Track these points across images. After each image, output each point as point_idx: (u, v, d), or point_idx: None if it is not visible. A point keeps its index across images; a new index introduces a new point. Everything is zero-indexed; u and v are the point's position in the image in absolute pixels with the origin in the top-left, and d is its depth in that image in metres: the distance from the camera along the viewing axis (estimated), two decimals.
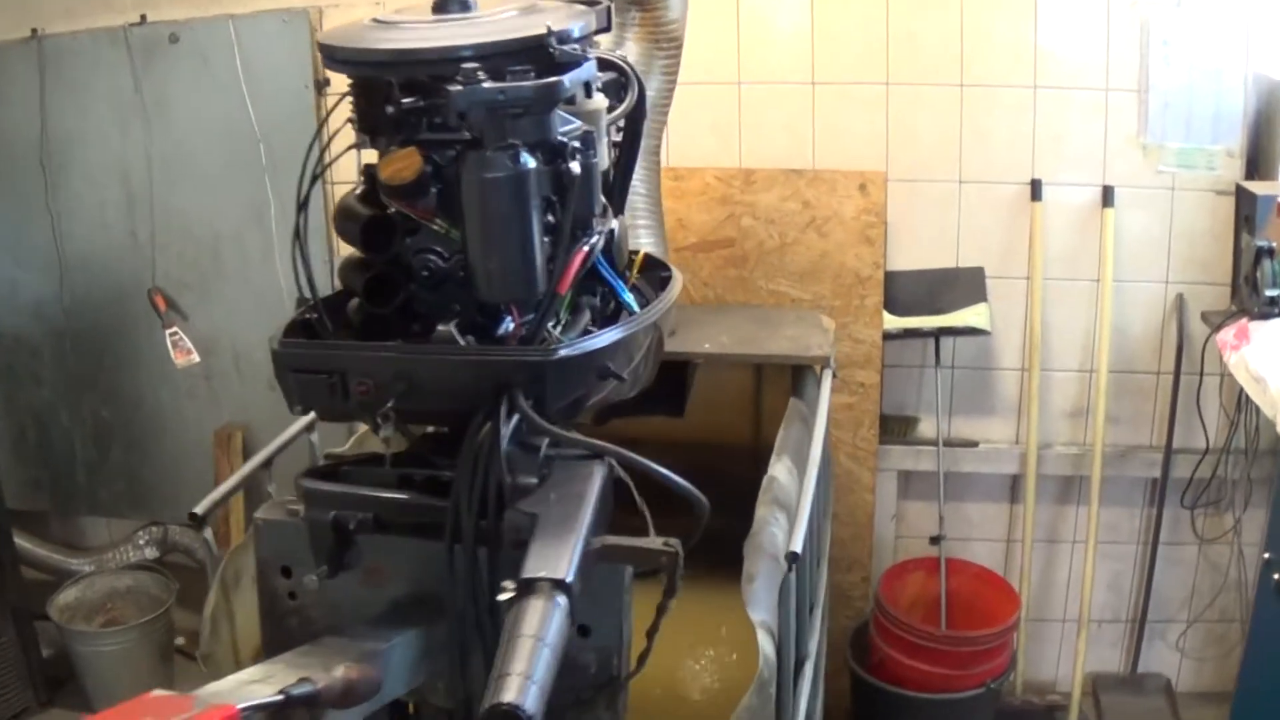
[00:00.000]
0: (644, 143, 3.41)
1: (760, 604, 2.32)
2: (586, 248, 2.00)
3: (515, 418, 1.85)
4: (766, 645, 2.25)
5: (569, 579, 1.56)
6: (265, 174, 4.12)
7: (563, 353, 1.89)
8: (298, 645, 2.18)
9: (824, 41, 3.84)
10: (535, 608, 1.51)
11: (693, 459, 3.87)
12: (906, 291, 3.93)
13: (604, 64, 2.16)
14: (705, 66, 3.91)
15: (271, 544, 2.17)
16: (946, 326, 3.86)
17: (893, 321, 3.91)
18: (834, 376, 3.34)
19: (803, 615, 2.64)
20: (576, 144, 1.91)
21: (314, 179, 2.07)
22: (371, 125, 1.97)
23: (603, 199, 2.17)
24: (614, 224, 2.16)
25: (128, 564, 4.69)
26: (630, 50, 3.30)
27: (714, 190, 4.03)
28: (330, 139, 2.07)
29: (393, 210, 1.97)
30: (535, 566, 1.57)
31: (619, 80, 2.20)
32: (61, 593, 4.44)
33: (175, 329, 4.40)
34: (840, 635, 4.09)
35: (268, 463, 2.95)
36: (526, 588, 1.54)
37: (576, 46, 1.90)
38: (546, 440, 1.86)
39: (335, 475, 2.05)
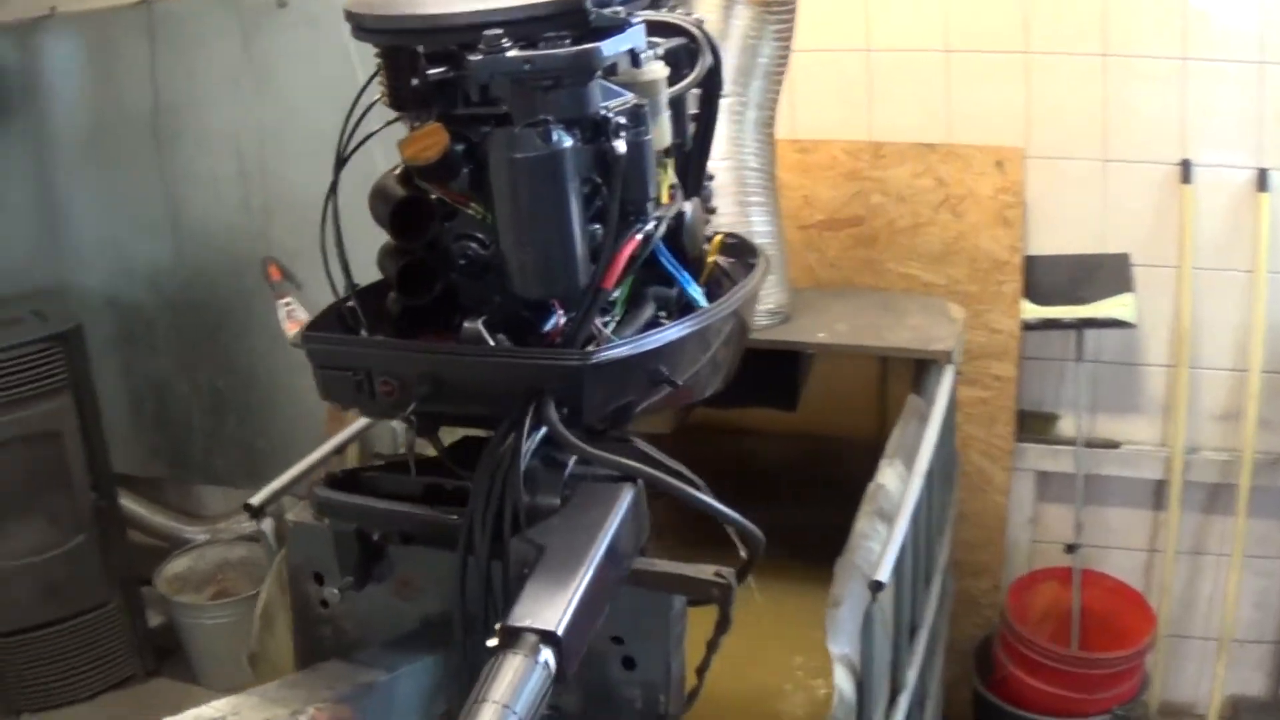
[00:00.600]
0: (755, 114, 3.19)
1: (842, 633, 2.07)
2: (640, 236, 1.77)
3: (542, 429, 1.64)
4: (844, 682, 2.02)
5: (559, 631, 1.33)
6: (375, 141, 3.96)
7: (601, 356, 1.67)
8: (329, 657, 2.02)
9: (958, 6, 3.53)
10: (510, 667, 1.29)
11: (810, 453, 3.67)
12: (1046, 278, 3.60)
13: (671, 29, 1.92)
14: (832, 32, 3.64)
15: (303, 549, 2.00)
16: (1089, 318, 3.53)
17: (1032, 311, 3.59)
18: (957, 373, 3.05)
19: (899, 643, 2.38)
20: (622, 119, 1.67)
21: (346, 156, 1.89)
22: (399, 99, 1.76)
23: (674, 179, 1.93)
24: (687, 207, 1.92)
25: (241, 535, 4.62)
26: (740, 14, 3.05)
27: (841, 164, 3.75)
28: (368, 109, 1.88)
29: (435, 195, 1.77)
30: (523, 613, 1.35)
31: (690, 47, 1.95)
32: (171, 562, 4.39)
33: (289, 299, 4.28)
34: (967, 643, 3.80)
35: (340, 450, 2.80)
36: (508, 638, 1.32)
37: (620, 10, 1.66)
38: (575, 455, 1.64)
39: (356, 483, 1.86)
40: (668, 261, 1.87)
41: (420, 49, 1.72)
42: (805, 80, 3.68)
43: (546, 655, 1.31)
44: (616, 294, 1.82)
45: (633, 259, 1.78)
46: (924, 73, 3.61)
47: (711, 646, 1.75)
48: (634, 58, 1.71)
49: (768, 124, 3.22)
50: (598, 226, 1.72)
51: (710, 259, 2.01)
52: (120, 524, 4.08)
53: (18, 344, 3.77)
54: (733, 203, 3.15)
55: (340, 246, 1.88)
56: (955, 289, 3.64)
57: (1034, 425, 3.78)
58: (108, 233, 4.48)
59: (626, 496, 1.59)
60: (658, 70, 1.79)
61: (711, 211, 2.25)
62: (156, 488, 4.80)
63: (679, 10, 1.97)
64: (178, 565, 4.42)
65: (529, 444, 1.63)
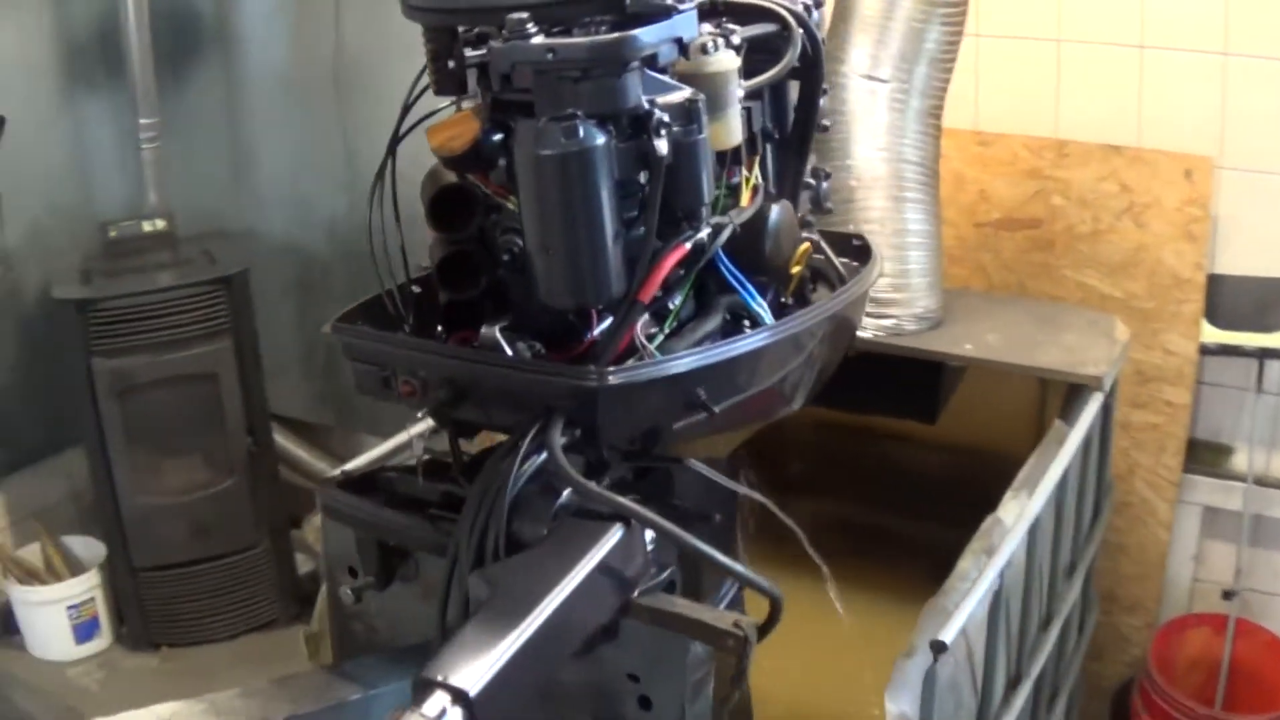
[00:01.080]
0: (920, 102, 2.95)
1: (904, 690, 1.88)
2: (689, 245, 1.60)
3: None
4: None
5: (473, 693, 1.19)
6: None
7: (617, 379, 1.51)
8: (361, 654, 1.93)
9: None
10: None
11: (953, 467, 3.43)
12: (1230, 300, 3.26)
13: (758, 12, 1.74)
14: (1021, 19, 3.35)
15: (338, 540, 1.90)
16: (1273, 348, 3.18)
17: (1212, 334, 3.26)
18: (1107, 402, 2.77)
19: (989, 695, 2.16)
20: (666, 116, 1.50)
21: (401, 136, 1.78)
22: (441, 83, 1.63)
23: (757, 179, 1.77)
24: (773, 210, 1.75)
25: None
26: None
27: (1022, 161, 3.47)
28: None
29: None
30: (441, 665, 1.21)
31: (782, 34, 1.77)
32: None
33: None
34: (1113, 681, 3.51)
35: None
36: (419, 690, 1.18)
37: None
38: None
39: (373, 484, 1.75)
40: (728, 272, 1.70)
41: (462, 30, 1.58)
42: (990, 68, 3.42)
43: (455, 717, 1.16)
44: (674, 302, 1.66)
45: (684, 268, 1.62)
46: (1115, 69, 3.30)
47: (722, 700, 1.59)
48: (681, 47, 1.53)
49: (933, 114, 2.97)
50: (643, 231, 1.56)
51: (795, 269, 1.82)
52: (273, 469, 4.09)
53: (184, 284, 3.80)
54: (885, 197, 2.93)
55: (399, 231, 1.77)
56: (1132, 304, 3.33)
57: (1206, 457, 3.45)
58: (289, 179, 4.50)
59: (609, 539, 1.43)
60: (721, 61, 1.62)
61: (826, 212, 2.06)
62: (321, 434, 4.83)
63: None
64: None
65: (527, 466, 1.49)
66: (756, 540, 2.16)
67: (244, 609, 4.06)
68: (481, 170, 1.61)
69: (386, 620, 1.89)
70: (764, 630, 1.52)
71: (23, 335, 3.86)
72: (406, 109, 1.71)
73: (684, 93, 1.55)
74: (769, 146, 1.85)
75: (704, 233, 1.62)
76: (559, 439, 1.49)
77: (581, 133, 1.47)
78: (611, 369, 1.51)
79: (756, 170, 1.80)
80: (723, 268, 1.69)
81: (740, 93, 1.67)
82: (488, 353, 1.59)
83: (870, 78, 2.86)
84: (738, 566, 1.48)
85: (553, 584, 1.34)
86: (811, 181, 1.96)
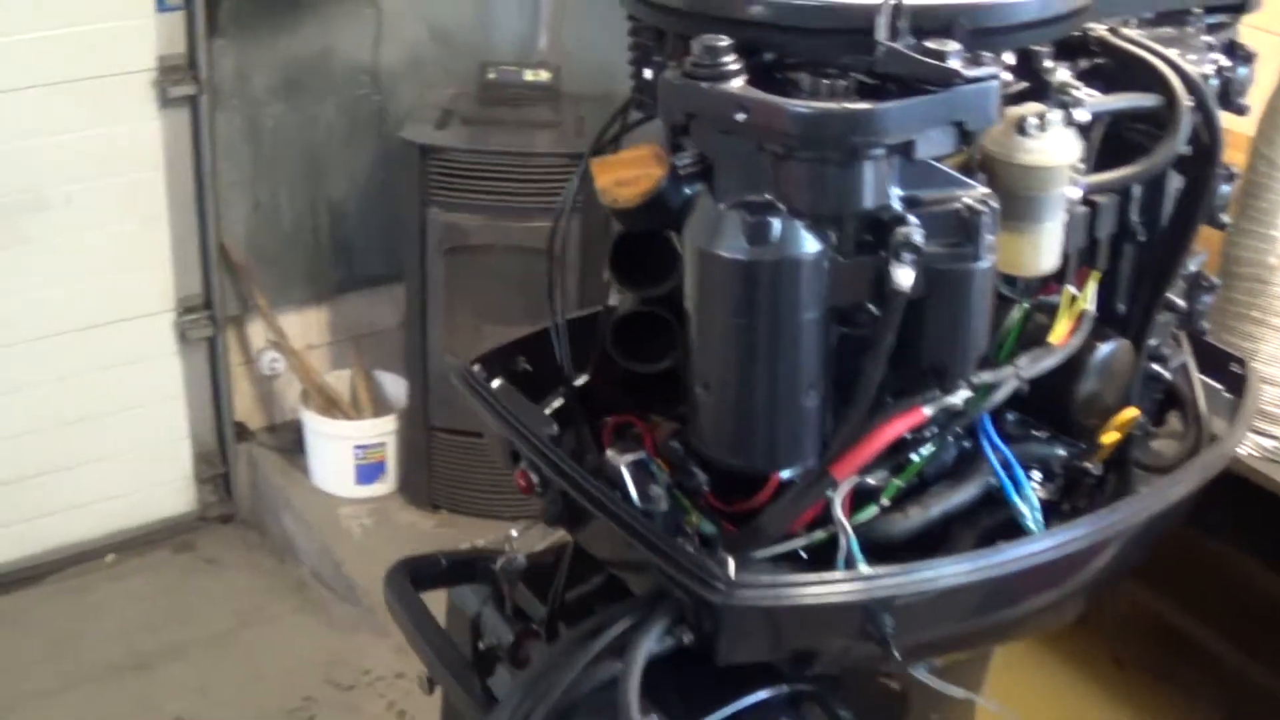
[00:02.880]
0: None
1: None
2: (928, 410, 1.06)
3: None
4: None
5: None
6: None
7: (749, 597, 1.01)
8: None
9: None
10: None
11: None
12: None
13: (1132, 67, 1.15)
14: None
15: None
16: None
17: None
18: None
19: None
20: (919, 231, 0.96)
21: (599, 148, 1.29)
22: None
23: (1087, 304, 1.20)
24: (1101, 349, 1.19)
25: None
26: None
27: None
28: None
29: None
30: None
31: (1163, 111, 1.16)
32: None
33: None
34: None
35: None
36: None
37: (953, 49, 0.93)
38: None
39: (436, 572, 1.33)
40: (990, 444, 1.14)
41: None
42: None
43: None
44: (920, 452, 1.14)
45: (892, 443, 1.08)
46: None
47: None
48: (964, 134, 0.97)
49: None
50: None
51: (1106, 439, 1.24)
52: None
53: (538, 153, 3.43)
54: None
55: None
56: None
57: None
58: None
59: None
60: (1046, 151, 1.04)
61: (1197, 335, 1.45)
62: None
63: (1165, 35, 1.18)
64: None
65: (600, 670, 1.03)
66: None
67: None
68: (661, 229, 1.11)
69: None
70: None
71: (377, 160, 3.63)
72: (616, 123, 1.22)
73: (967, 192, 0.99)
74: (1122, 252, 1.25)
75: (960, 397, 1.07)
76: (647, 650, 1.01)
77: (776, 233, 0.94)
78: (746, 582, 1.00)
79: (1091, 290, 1.21)
80: (985, 439, 1.13)
81: (1075, 193, 1.09)
82: (600, 484, 1.11)
83: None
84: None
85: None
86: (1181, 303, 1.34)
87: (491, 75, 3.54)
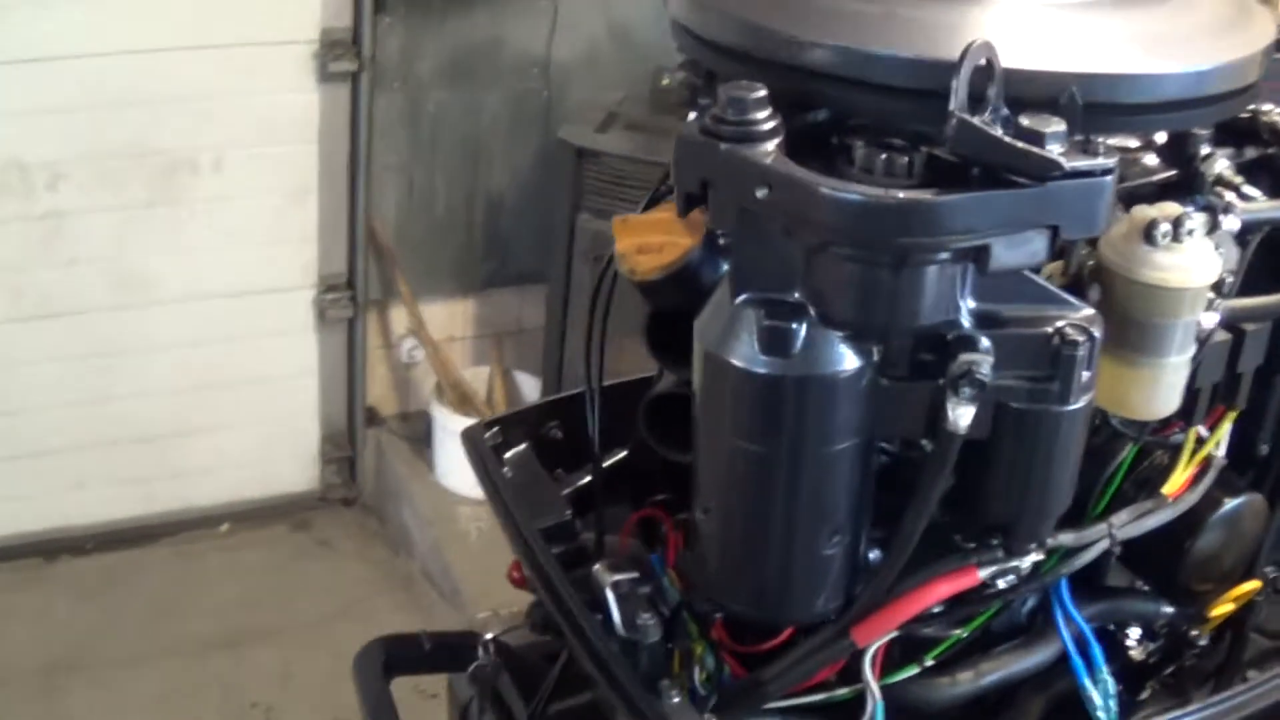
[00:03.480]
0: None
1: None
2: (982, 573, 0.83)
3: None
4: None
5: None
6: None
7: None
8: None
9: None
10: None
11: None
12: None
13: None
14: None
15: None
16: None
17: None
18: None
19: None
20: (984, 361, 0.73)
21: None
22: None
23: (1217, 451, 0.96)
24: (1223, 510, 0.96)
25: None
26: None
27: None
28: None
29: None
30: None
31: None
32: None
33: None
34: None
35: None
36: None
37: (1051, 134, 0.71)
38: None
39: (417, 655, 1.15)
40: (1062, 610, 0.90)
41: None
42: None
43: None
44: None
45: (939, 604, 0.86)
46: None
47: None
48: (1054, 246, 0.74)
49: None
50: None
51: (1217, 612, 1.00)
52: None
53: None
54: None
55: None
56: None
57: None
58: None
59: None
60: (1176, 270, 0.80)
61: None
62: None
63: None
64: None
65: None
66: None
67: None
68: (689, 303, 0.90)
69: None
70: None
71: (538, 157, 3.47)
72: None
73: (1065, 313, 0.76)
74: (1273, 386, 1.00)
75: (1028, 560, 0.83)
76: None
77: (800, 343, 0.73)
78: None
79: (1224, 432, 0.96)
80: (1059, 608, 0.89)
81: (1212, 320, 0.84)
82: (583, 600, 0.91)
83: None
84: None
85: None
86: None
87: (665, 81, 3.34)
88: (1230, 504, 0.96)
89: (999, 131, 0.68)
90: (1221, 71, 0.80)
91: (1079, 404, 0.76)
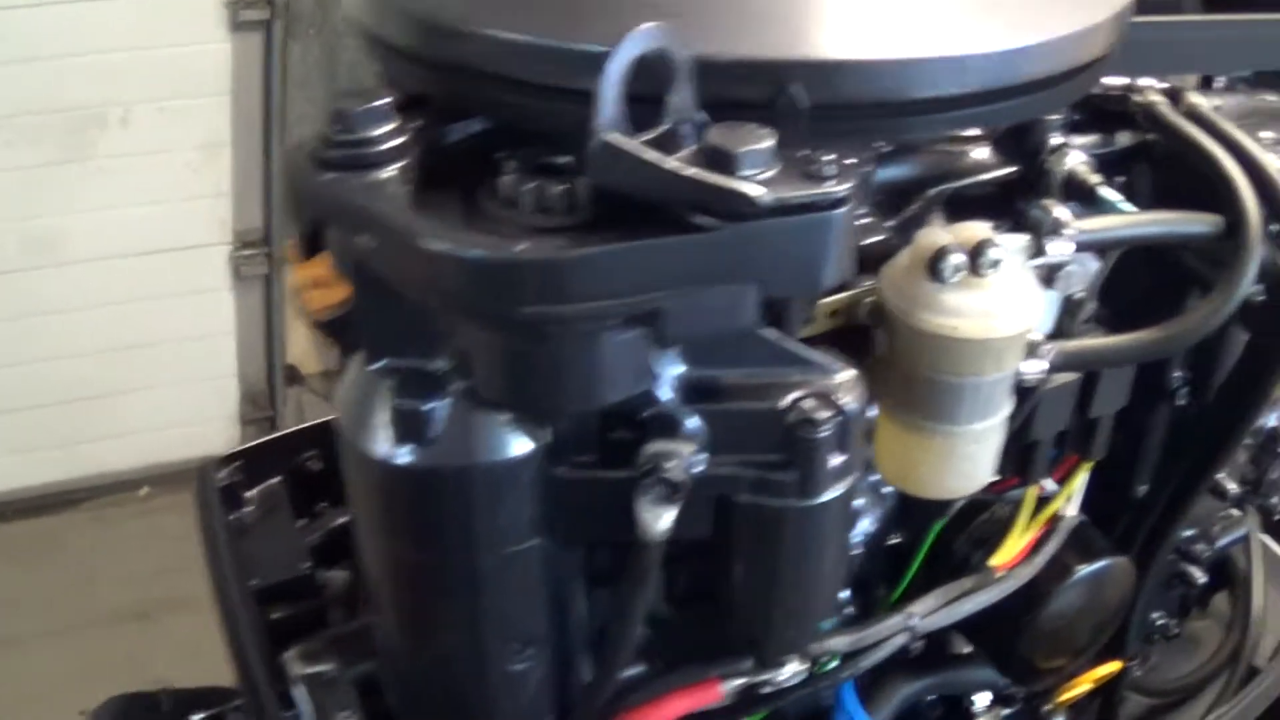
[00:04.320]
0: None
1: None
2: (727, 688, 0.65)
3: None
4: None
5: None
6: None
7: None
8: None
9: None
10: None
11: None
12: None
13: (1179, 169, 0.72)
14: None
15: None
16: None
17: None
18: None
19: None
20: (680, 453, 0.54)
21: None
22: None
23: (1068, 507, 0.78)
24: (1075, 578, 0.79)
25: None
26: None
27: None
28: None
29: None
30: None
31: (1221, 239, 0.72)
32: None
33: None
34: None
35: None
36: None
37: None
38: None
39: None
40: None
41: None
42: None
43: None
44: None
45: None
46: None
47: None
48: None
49: None
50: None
51: (1065, 699, 0.82)
52: None
53: None
54: None
55: None
56: None
57: None
58: None
59: None
60: (971, 316, 0.61)
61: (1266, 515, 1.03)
62: None
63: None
64: None
65: None
66: None
67: None
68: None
69: None
70: None
71: None
72: None
73: (811, 379, 0.56)
74: (1147, 427, 0.81)
75: (789, 671, 0.64)
76: None
77: (442, 424, 0.53)
78: None
79: (1076, 485, 0.77)
80: (843, 714, 0.71)
81: (1037, 368, 0.64)
82: (271, 698, 0.71)
83: None
84: None
85: None
86: (1233, 488, 0.89)
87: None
88: (1083, 571, 0.77)
89: (667, 156, 0.47)
90: (1034, 52, 0.59)
91: (828, 496, 0.56)
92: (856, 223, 0.64)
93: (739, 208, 0.47)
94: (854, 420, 0.55)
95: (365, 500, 0.57)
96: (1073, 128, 0.77)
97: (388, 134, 0.52)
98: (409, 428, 0.53)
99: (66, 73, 2.74)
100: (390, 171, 0.51)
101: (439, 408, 0.53)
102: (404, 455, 0.54)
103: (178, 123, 2.89)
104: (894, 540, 0.78)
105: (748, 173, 0.48)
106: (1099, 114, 0.79)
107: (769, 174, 0.49)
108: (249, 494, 0.92)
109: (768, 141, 0.49)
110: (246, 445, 0.97)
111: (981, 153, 0.74)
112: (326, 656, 0.72)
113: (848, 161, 0.50)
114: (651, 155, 0.46)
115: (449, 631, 0.59)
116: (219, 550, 0.84)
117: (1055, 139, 0.73)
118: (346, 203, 0.50)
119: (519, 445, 0.54)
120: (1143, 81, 0.79)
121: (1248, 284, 0.69)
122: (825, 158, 0.49)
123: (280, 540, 0.87)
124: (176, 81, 2.85)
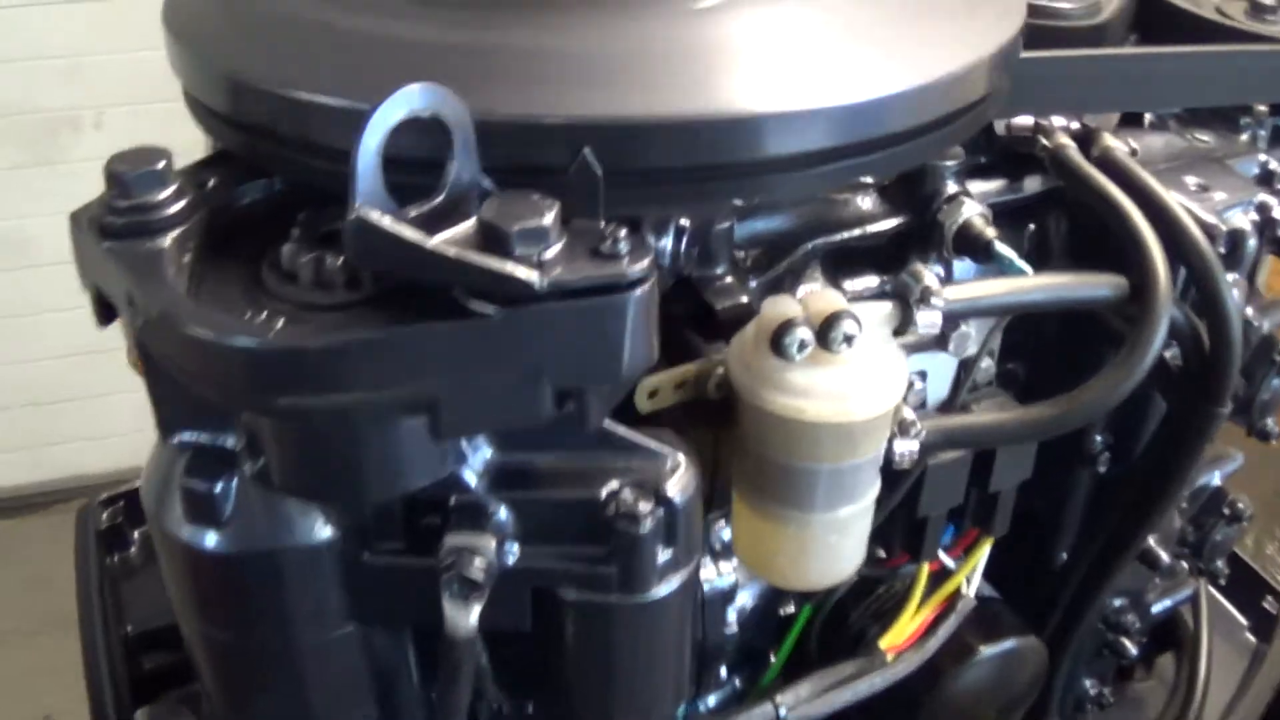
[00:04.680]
0: None
1: None
2: None
3: None
4: None
5: None
6: None
7: None
8: None
9: None
10: None
11: None
12: None
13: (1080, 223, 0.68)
14: None
15: None
16: None
17: None
18: None
19: None
20: (476, 544, 0.49)
21: None
22: None
23: (971, 585, 0.72)
24: (977, 663, 0.73)
25: None
26: None
27: None
28: None
29: None
30: None
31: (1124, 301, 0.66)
32: None
33: None
34: None
35: None
36: None
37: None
38: None
39: None
40: None
41: None
42: None
43: None
44: None
45: None
46: None
47: None
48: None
49: None
50: None
51: None
52: None
53: None
54: None
55: None
56: None
57: None
58: None
59: None
60: (819, 398, 0.56)
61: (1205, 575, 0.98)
62: None
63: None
64: None
65: None
66: None
67: None
68: None
69: None
70: None
71: None
72: None
73: (640, 466, 0.50)
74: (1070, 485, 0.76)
75: None
76: None
77: (231, 506, 0.47)
78: None
79: (977, 562, 0.71)
80: None
81: (908, 449, 0.58)
82: None
83: None
84: None
85: None
86: (1164, 557, 0.84)
87: None
88: (986, 653, 0.71)
89: (432, 234, 0.41)
90: (891, 104, 0.53)
91: (660, 593, 0.50)
92: (718, 284, 0.59)
93: (513, 291, 0.42)
94: (683, 512, 0.50)
95: (170, 577, 0.52)
96: (978, 171, 0.72)
97: (168, 199, 0.46)
98: (199, 509, 0.47)
99: (39, 75, 2.69)
100: (163, 239, 0.46)
101: (227, 488, 0.47)
102: (198, 536, 0.48)
103: (151, 126, 2.83)
104: (787, 610, 0.73)
105: (523, 251, 0.42)
106: (1008, 156, 0.73)
107: (551, 252, 0.43)
108: (136, 533, 0.86)
109: (548, 215, 0.43)
110: (132, 485, 0.91)
111: (866, 202, 0.68)
112: (175, 716, 0.67)
113: (645, 237, 0.44)
114: (411, 234, 0.40)
115: (265, 712, 0.54)
116: (89, 597, 0.78)
117: (951, 187, 0.67)
118: (119, 275, 0.45)
119: (319, 530, 0.48)
120: (1057, 121, 0.73)
121: (1154, 353, 0.64)
122: (619, 233, 0.43)
123: (162, 583, 0.82)
124: (150, 84, 2.79)
